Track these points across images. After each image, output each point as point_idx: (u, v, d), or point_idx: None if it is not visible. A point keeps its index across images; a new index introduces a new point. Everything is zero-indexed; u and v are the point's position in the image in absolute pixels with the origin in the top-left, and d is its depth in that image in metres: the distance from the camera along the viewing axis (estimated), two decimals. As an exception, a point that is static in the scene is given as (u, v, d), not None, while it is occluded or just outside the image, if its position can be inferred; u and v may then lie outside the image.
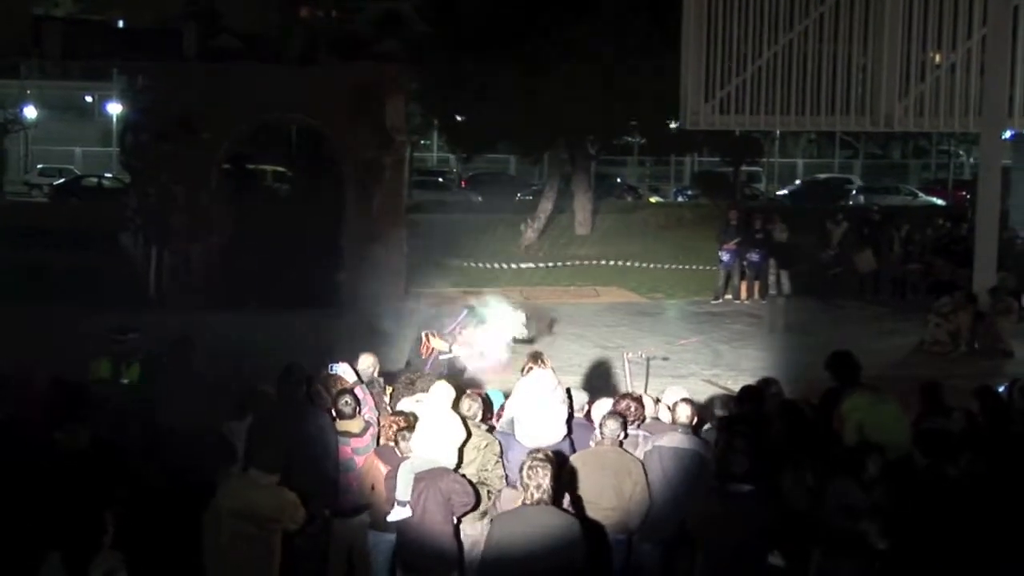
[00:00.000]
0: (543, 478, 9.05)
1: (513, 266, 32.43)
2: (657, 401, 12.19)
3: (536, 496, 9.04)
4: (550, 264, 32.87)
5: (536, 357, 11.95)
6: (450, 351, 15.32)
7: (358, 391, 12.05)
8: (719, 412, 11.96)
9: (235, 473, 10.31)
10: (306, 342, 18.00)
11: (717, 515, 9.65)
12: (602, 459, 10.64)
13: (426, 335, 15.41)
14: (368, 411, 11.89)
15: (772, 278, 28.87)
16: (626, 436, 10.89)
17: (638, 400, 11.60)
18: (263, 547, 9.61)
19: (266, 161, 37.88)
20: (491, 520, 10.90)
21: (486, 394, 11.84)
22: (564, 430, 11.21)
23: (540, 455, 9.32)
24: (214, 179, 26.01)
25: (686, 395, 11.62)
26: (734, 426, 10.86)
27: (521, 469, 9.25)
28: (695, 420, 11.05)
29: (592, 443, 11.08)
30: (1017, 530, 9.64)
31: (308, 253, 25.06)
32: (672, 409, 11.22)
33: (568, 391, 11.66)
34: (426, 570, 10.33)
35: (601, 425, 10.90)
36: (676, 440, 10.79)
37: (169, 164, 25.34)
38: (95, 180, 53.15)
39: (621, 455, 10.69)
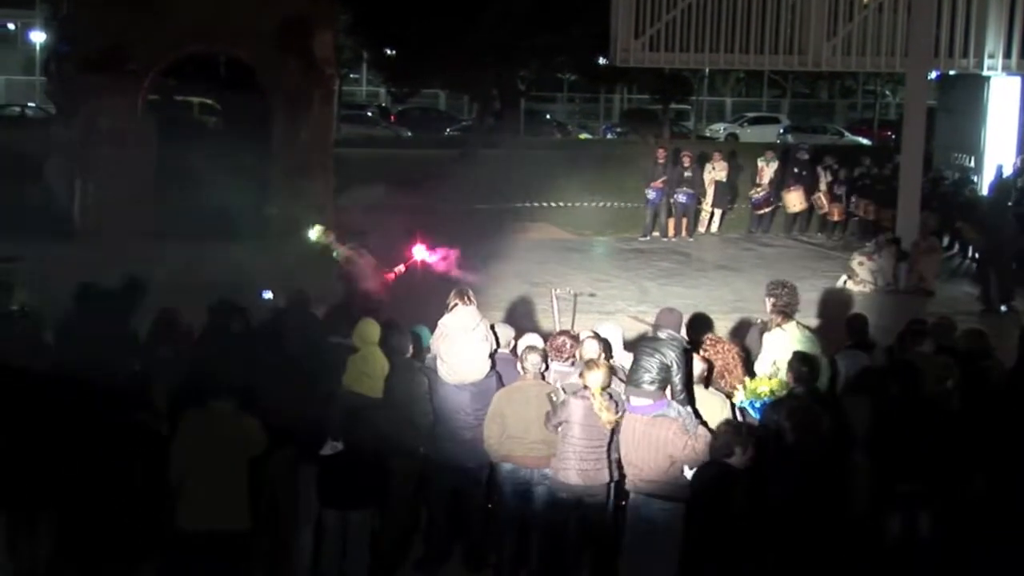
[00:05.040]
0: None
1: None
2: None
3: None
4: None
5: (461, 294, 11.95)
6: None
7: None
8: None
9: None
10: (232, 273, 17.89)
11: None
12: (525, 393, 10.73)
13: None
14: None
15: (704, 215, 29.03)
16: (547, 368, 10.98)
17: (574, 337, 11.62)
18: (233, 475, 9.62)
19: (194, 93, 37.45)
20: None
21: (414, 330, 11.88)
22: (488, 366, 11.25)
23: None
24: (140, 110, 25.72)
25: (595, 332, 11.65)
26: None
27: None
28: (602, 356, 11.02)
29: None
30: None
31: (235, 186, 24.87)
32: (579, 346, 11.21)
33: (492, 327, 11.70)
34: (347, 504, 10.43)
35: (522, 359, 10.99)
36: None
37: (94, 95, 25.02)
38: (17, 109, 52.23)
39: (543, 387, 10.76)
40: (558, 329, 13.15)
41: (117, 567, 10.62)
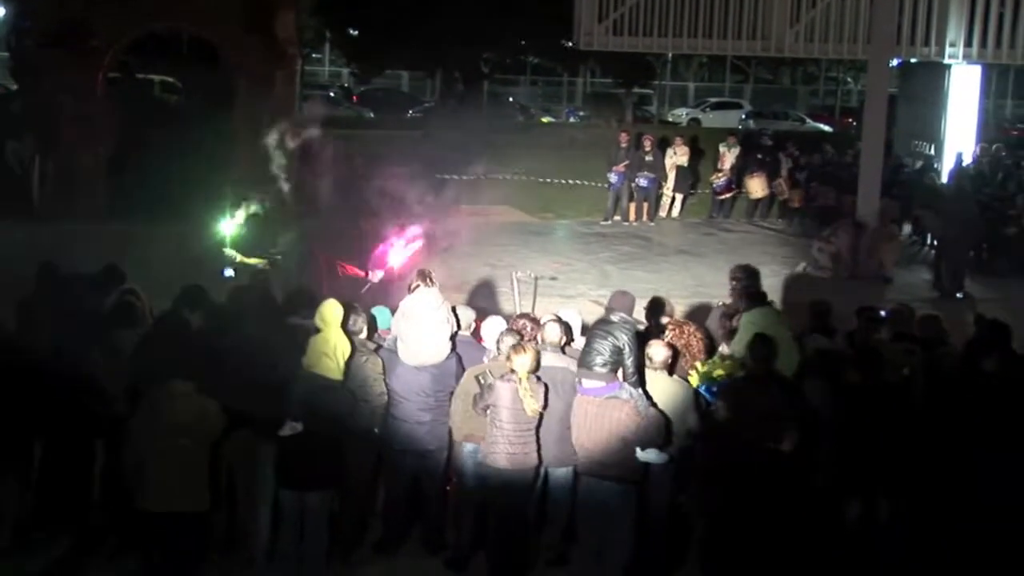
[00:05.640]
0: None
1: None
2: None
3: None
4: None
5: (423, 275, 11.93)
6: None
7: None
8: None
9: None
10: (190, 252, 17.82)
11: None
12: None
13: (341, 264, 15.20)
14: None
15: (666, 200, 29.07)
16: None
17: (535, 320, 11.67)
18: (192, 456, 9.62)
19: (155, 71, 37.29)
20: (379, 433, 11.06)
21: (371, 312, 11.86)
22: (448, 348, 11.25)
23: None
24: (101, 88, 25.57)
25: (558, 316, 11.67)
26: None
27: None
28: (563, 340, 11.12)
29: (486, 359, 11.20)
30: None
31: (196, 165, 24.76)
32: (541, 329, 11.25)
33: (453, 309, 11.70)
34: (305, 485, 10.42)
35: (498, 342, 11.00)
36: (547, 359, 10.77)
37: (54, 71, 24.85)
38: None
39: None
40: (519, 312, 13.18)
41: (79, 542, 10.69)
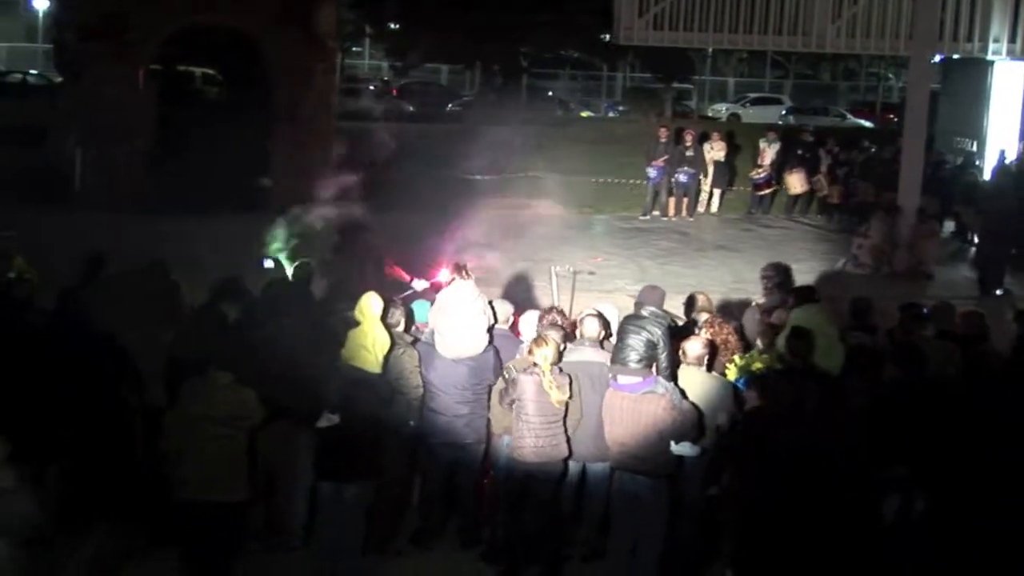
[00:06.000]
0: None
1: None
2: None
3: None
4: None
5: (459, 268, 11.93)
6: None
7: None
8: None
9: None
10: (229, 245, 17.86)
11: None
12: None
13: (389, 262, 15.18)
14: None
15: (704, 195, 28.99)
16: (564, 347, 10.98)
17: (562, 313, 11.66)
18: (231, 446, 9.67)
19: (196, 64, 37.39)
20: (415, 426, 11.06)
21: (409, 305, 11.88)
22: (485, 340, 11.25)
23: None
24: (141, 81, 25.67)
25: (598, 311, 11.62)
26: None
27: None
28: (602, 334, 11.09)
29: (519, 355, 11.19)
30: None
31: (236, 158, 24.83)
32: (580, 323, 11.23)
33: (490, 303, 11.68)
34: (343, 477, 10.42)
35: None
36: (585, 354, 10.80)
37: (94, 63, 24.98)
38: (19, 76, 52.09)
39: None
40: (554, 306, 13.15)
41: (115, 528, 10.74)
